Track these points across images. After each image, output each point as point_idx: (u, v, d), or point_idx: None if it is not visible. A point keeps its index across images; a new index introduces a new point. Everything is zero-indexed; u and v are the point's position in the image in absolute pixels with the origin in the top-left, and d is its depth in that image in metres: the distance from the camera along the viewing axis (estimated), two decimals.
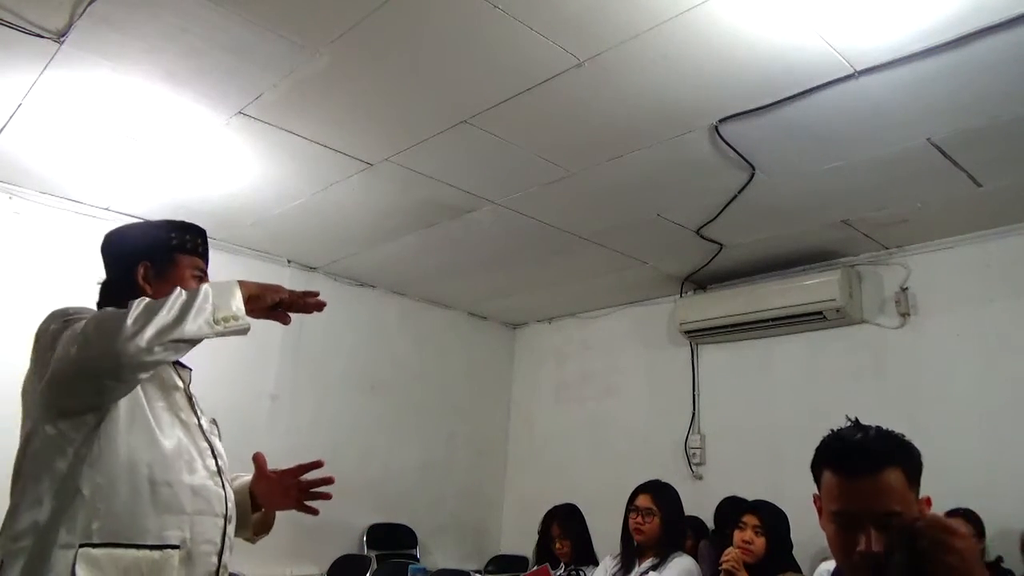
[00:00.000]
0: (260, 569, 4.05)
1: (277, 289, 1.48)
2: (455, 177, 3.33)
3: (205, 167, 3.32)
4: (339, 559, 4.38)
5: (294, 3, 2.20)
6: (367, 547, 4.56)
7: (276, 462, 1.70)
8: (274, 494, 1.65)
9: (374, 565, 4.31)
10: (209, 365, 4.08)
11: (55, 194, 3.67)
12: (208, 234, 1.68)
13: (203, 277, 1.60)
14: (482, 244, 4.11)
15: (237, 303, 1.37)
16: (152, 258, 1.56)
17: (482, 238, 4.01)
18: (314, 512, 1.65)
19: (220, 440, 1.57)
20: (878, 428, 1.23)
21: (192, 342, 1.32)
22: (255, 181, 3.46)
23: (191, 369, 1.65)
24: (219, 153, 3.19)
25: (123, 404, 1.34)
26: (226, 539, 1.45)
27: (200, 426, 1.51)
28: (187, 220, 1.66)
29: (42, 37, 2.40)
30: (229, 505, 1.47)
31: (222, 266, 4.19)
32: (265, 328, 5.02)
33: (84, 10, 2.26)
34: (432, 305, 5.36)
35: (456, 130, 2.88)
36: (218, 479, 1.47)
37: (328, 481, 1.63)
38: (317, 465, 1.63)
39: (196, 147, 3.14)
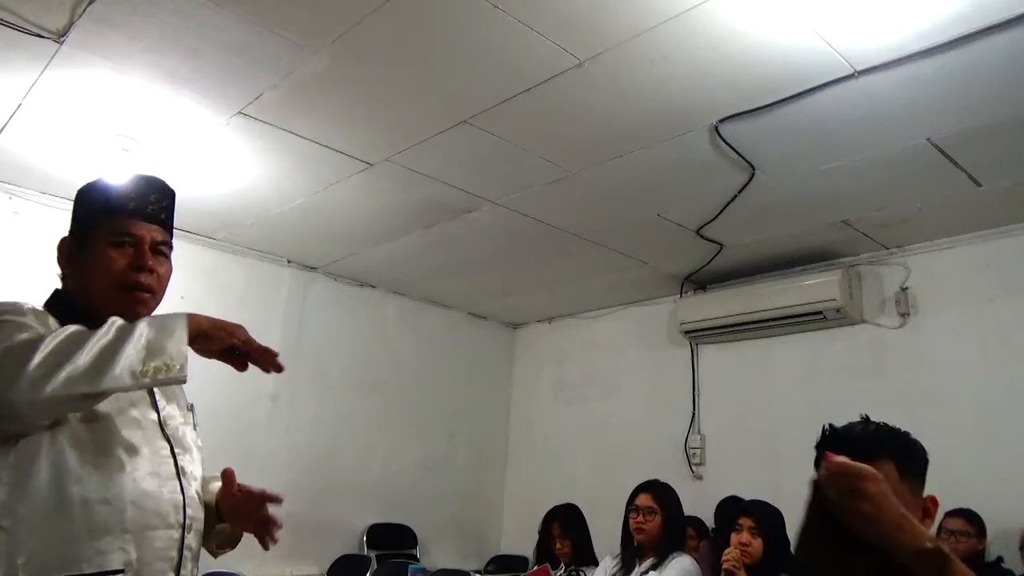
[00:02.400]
0: (260, 569, 4.05)
1: (233, 330, 1.22)
2: (455, 177, 3.33)
3: (205, 167, 3.32)
4: (339, 559, 4.38)
5: (294, 3, 2.20)
6: (367, 547, 4.56)
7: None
8: (238, 513, 1.42)
9: (374, 565, 4.31)
10: (209, 365, 4.12)
11: (55, 194, 3.67)
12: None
13: (131, 243, 1.30)
14: (482, 244, 4.11)
15: (177, 345, 1.12)
16: (73, 230, 1.32)
17: (482, 238, 4.01)
18: (265, 547, 1.42)
19: (196, 428, 1.38)
20: (883, 424, 1.24)
21: (109, 394, 1.10)
22: (255, 181, 3.46)
23: None
24: (219, 153, 3.19)
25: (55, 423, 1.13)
26: (185, 551, 1.26)
27: (159, 421, 1.28)
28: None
29: (42, 37, 2.40)
30: (188, 512, 1.27)
31: (222, 266, 4.24)
32: (265, 328, 5.01)
33: (84, 10, 2.26)
34: (432, 305, 5.36)
35: (456, 130, 2.88)
36: (175, 483, 1.26)
37: (278, 525, 1.41)
38: (278, 500, 1.40)
39: (196, 147, 3.14)
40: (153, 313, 1.30)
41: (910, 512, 1.09)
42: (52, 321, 1.22)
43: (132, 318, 1.22)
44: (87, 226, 1.31)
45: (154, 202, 1.36)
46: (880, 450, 1.16)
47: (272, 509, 1.41)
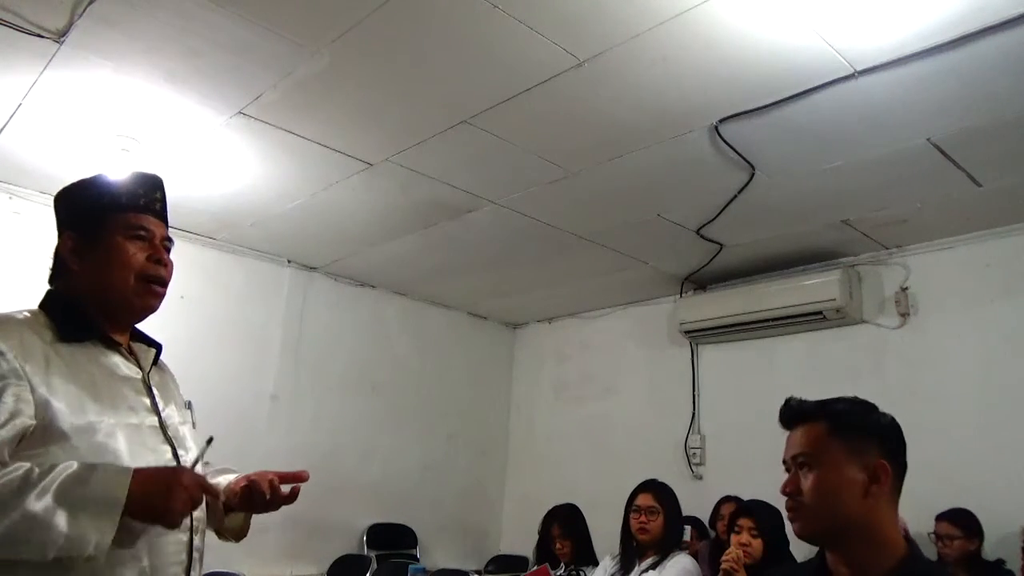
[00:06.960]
0: (260, 569, 4.05)
1: (179, 495, 1.09)
2: (455, 177, 3.33)
3: (205, 167, 3.32)
4: (339, 559, 4.38)
5: (294, 3, 2.20)
6: (367, 547, 4.56)
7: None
8: (258, 502, 1.35)
9: (374, 565, 4.31)
10: (209, 365, 4.14)
11: (55, 194, 3.67)
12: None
13: (146, 237, 1.30)
14: (482, 244, 4.11)
15: (101, 538, 1.03)
16: (78, 225, 1.29)
17: (482, 238, 4.01)
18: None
19: (194, 424, 1.36)
20: (838, 398, 1.38)
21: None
22: (255, 181, 3.46)
23: (159, 347, 1.38)
24: (219, 153, 3.19)
25: (49, 437, 1.11)
26: (194, 552, 1.25)
27: (161, 425, 1.26)
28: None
29: (42, 37, 2.40)
30: (195, 514, 1.24)
31: (222, 266, 4.23)
32: (265, 328, 5.00)
33: (84, 10, 2.26)
34: (432, 305, 5.36)
35: (456, 130, 2.88)
36: None
37: (301, 478, 1.37)
38: (303, 479, 1.37)
39: (196, 147, 3.14)
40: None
41: (848, 469, 1.23)
42: (44, 330, 1.21)
43: (148, 310, 1.29)
44: (95, 221, 1.29)
45: (159, 199, 1.37)
46: (809, 416, 1.35)
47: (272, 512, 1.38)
